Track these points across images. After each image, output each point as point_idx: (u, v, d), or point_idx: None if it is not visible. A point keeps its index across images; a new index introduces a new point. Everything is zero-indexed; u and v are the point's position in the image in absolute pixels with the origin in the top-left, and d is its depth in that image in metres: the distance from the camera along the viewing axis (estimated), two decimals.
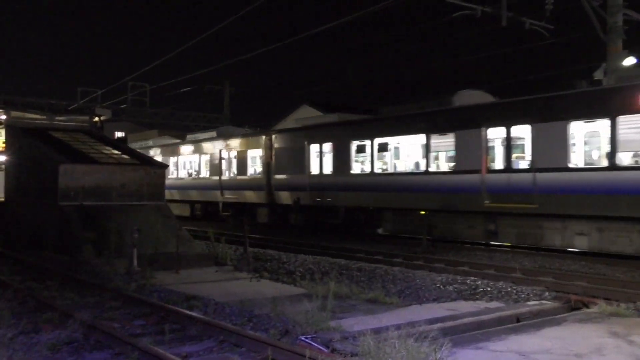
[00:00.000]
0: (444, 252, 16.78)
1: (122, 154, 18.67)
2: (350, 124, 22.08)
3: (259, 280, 11.94)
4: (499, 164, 16.90)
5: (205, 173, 29.88)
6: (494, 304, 9.42)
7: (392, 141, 20.18)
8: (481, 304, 9.43)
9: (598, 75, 18.11)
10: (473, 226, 17.41)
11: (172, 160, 32.63)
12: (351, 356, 6.04)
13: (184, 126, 44.25)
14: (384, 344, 5.82)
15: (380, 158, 20.61)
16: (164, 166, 18.84)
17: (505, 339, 6.94)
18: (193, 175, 31.11)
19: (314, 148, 22.99)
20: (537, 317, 8.29)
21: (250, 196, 26.17)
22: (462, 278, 12.10)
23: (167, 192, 31.67)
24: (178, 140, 34.53)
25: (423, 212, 18.51)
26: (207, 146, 29.74)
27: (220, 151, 28.52)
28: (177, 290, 10.34)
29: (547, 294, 10.47)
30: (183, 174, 32.17)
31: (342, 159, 21.57)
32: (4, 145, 22.11)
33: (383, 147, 20.23)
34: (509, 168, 16.31)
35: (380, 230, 20.63)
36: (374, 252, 16.51)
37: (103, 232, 14.81)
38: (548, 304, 9.13)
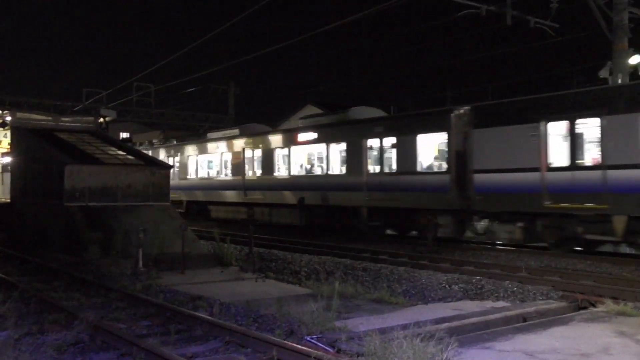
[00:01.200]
0: (449, 251, 16.75)
1: (127, 154, 18.71)
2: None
3: (264, 280, 11.93)
4: None
5: (339, 169, 22.65)
6: (500, 304, 9.39)
7: None
8: (487, 304, 9.40)
9: (603, 73, 18.09)
10: None
11: (278, 153, 25.50)
12: (357, 356, 6.02)
13: (189, 126, 44.36)
14: (390, 344, 5.80)
15: None
16: (168, 167, 18.89)
17: (511, 339, 6.92)
18: (315, 172, 23.79)
19: (555, 128, 15.43)
20: (544, 317, 8.26)
21: (420, 199, 18.89)
22: (467, 277, 12.07)
23: (260, 193, 25.85)
24: (285, 128, 27.60)
25: None
26: (339, 133, 22.57)
27: (362, 139, 21.13)
28: (182, 290, 10.34)
29: (553, 293, 10.44)
30: (296, 170, 24.60)
31: (625, 142, 13.96)
32: (10, 146, 22.23)
33: None
34: None
35: None
36: (379, 252, 16.51)
37: (109, 232, 14.87)
38: (555, 304, 9.11)
